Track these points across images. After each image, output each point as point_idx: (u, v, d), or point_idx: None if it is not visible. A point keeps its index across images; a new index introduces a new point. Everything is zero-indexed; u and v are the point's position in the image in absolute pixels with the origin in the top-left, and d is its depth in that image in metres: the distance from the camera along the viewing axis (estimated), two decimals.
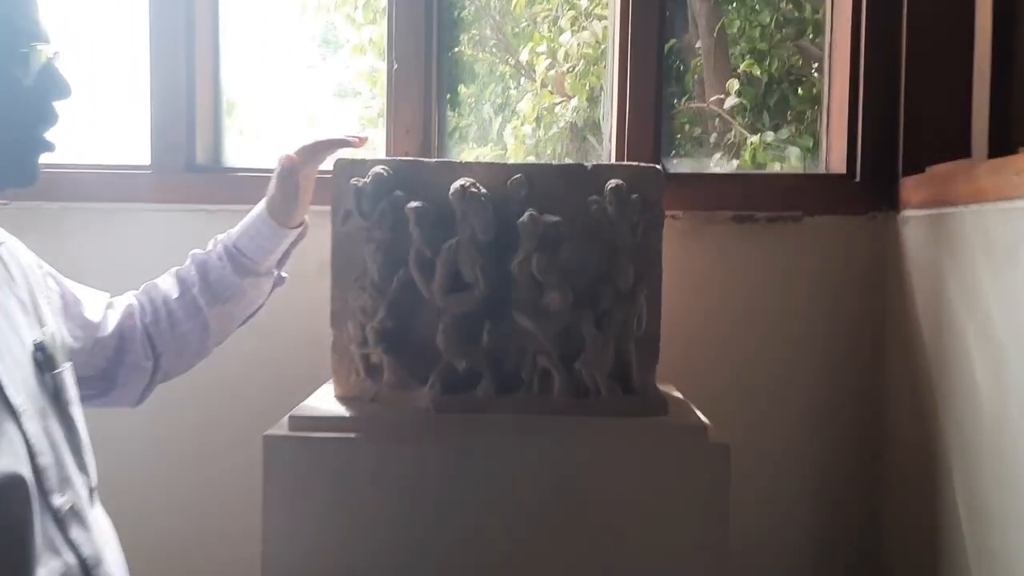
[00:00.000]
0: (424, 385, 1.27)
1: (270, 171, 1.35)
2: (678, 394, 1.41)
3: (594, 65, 2.90)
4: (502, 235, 1.26)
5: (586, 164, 1.31)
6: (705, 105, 2.78)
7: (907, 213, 1.57)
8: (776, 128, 2.67)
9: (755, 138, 2.59)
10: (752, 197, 1.64)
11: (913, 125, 1.56)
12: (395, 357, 1.29)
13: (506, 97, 2.97)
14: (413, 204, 1.26)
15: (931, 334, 1.48)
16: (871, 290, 1.65)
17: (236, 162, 1.81)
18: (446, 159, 1.29)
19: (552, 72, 2.86)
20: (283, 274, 1.42)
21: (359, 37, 2.82)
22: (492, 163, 1.32)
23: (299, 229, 1.39)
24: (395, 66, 1.69)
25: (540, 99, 2.94)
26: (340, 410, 1.27)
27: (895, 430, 1.63)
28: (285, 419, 1.24)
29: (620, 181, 1.27)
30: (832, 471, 1.67)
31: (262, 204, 1.36)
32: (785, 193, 1.64)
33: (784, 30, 2.96)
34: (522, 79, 3.06)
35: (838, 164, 1.66)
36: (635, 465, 1.19)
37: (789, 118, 2.85)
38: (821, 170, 1.72)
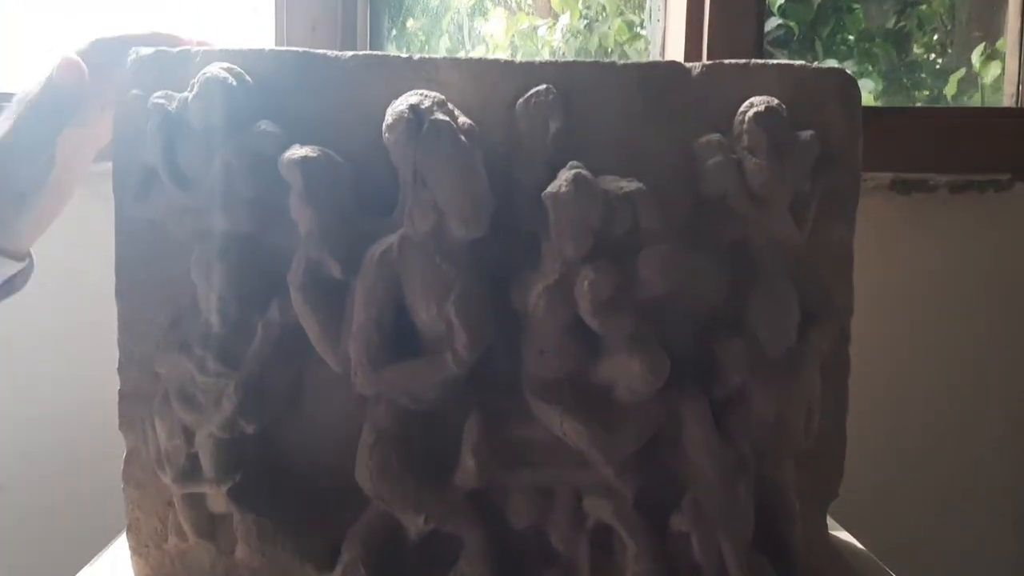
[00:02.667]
0: (326, 568, 0.56)
1: None
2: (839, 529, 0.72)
3: None
4: (505, 225, 0.55)
5: (688, 65, 0.59)
6: None
7: None
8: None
9: None
10: (924, 148, 0.94)
11: None
12: (259, 506, 0.57)
13: (470, 28, 2.24)
14: (297, 153, 0.53)
15: None
16: None
17: None
18: (378, 52, 0.57)
19: None
20: None
21: None
22: (481, 60, 0.58)
23: (20, 266, 0.63)
24: None
25: (516, 20, 2.20)
26: None
27: None
28: None
29: (773, 101, 0.56)
30: None
31: None
32: (980, 141, 0.94)
33: None
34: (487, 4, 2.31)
35: None
36: None
37: (840, 53, 2.18)
38: None
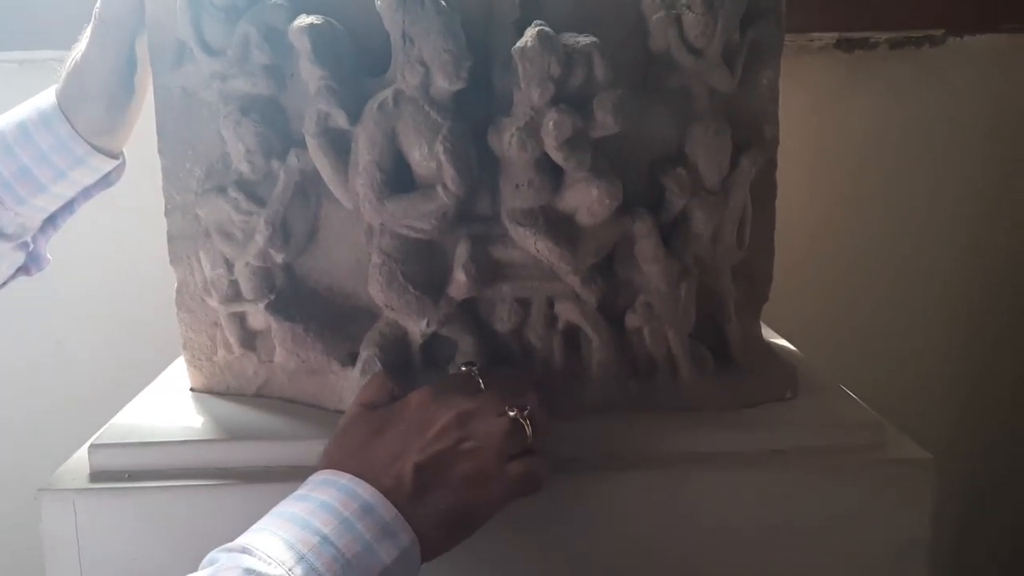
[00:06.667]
0: (348, 364, 0.69)
1: None
2: (777, 337, 0.85)
3: None
4: (483, 82, 0.65)
5: None
6: None
7: None
8: None
9: None
10: (864, 9, 1.02)
11: None
12: (292, 317, 0.69)
13: None
14: (304, 21, 0.63)
15: None
16: None
17: None
18: None
19: None
20: (47, 254, 0.77)
21: None
22: None
23: (115, 163, 0.74)
24: None
25: None
26: (193, 419, 0.68)
27: None
28: (83, 450, 0.65)
29: None
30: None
31: (46, 94, 0.70)
32: (916, 0, 1.03)
33: None
34: None
35: None
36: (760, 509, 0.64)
37: None
38: None
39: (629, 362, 0.69)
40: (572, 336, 0.70)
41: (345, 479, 0.51)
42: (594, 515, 0.64)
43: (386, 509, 0.50)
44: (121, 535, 0.60)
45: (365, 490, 0.50)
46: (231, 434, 0.65)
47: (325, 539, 0.47)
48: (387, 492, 0.51)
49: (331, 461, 0.55)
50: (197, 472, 0.63)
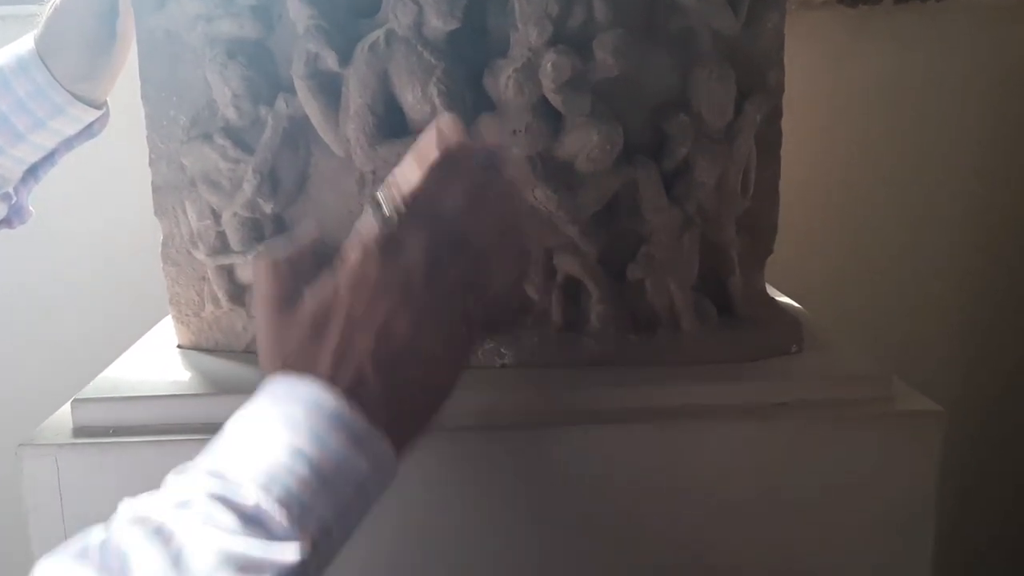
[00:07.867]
0: None
1: None
2: (782, 296, 0.83)
3: None
4: (477, 19, 0.63)
5: None
6: None
7: None
8: None
9: None
10: None
11: None
12: None
13: None
14: None
15: None
16: None
17: None
18: None
19: None
20: (29, 206, 0.73)
21: None
22: None
23: (98, 113, 0.70)
24: None
25: None
26: (178, 374, 0.66)
27: None
28: (66, 406, 0.63)
29: None
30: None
31: (24, 40, 0.67)
32: None
33: None
34: None
35: None
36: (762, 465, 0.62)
37: None
38: None
39: (630, 315, 0.67)
40: (571, 288, 0.67)
41: (305, 387, 0.45)
42: (595, 469, 0.62)
43: (355, 417, 0.46)
44: (104, 490, 0.57)
45: (331, 399, 0.46)
46: (216, 388, 0.63)
47: (299, 453, 0.43)
48: (351, 396, 0.46)
49: (281, 363, 0.48)
50: (182, 427, 0.60)
